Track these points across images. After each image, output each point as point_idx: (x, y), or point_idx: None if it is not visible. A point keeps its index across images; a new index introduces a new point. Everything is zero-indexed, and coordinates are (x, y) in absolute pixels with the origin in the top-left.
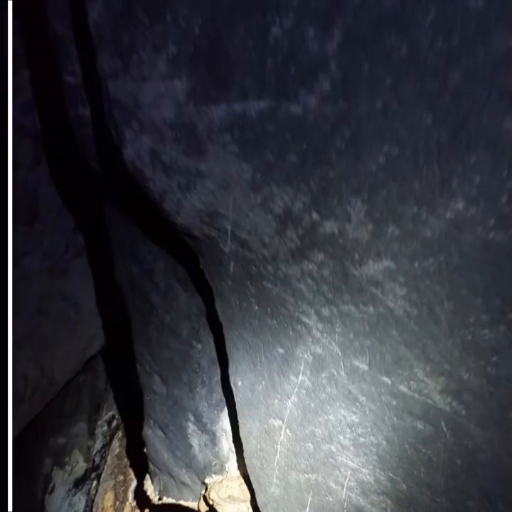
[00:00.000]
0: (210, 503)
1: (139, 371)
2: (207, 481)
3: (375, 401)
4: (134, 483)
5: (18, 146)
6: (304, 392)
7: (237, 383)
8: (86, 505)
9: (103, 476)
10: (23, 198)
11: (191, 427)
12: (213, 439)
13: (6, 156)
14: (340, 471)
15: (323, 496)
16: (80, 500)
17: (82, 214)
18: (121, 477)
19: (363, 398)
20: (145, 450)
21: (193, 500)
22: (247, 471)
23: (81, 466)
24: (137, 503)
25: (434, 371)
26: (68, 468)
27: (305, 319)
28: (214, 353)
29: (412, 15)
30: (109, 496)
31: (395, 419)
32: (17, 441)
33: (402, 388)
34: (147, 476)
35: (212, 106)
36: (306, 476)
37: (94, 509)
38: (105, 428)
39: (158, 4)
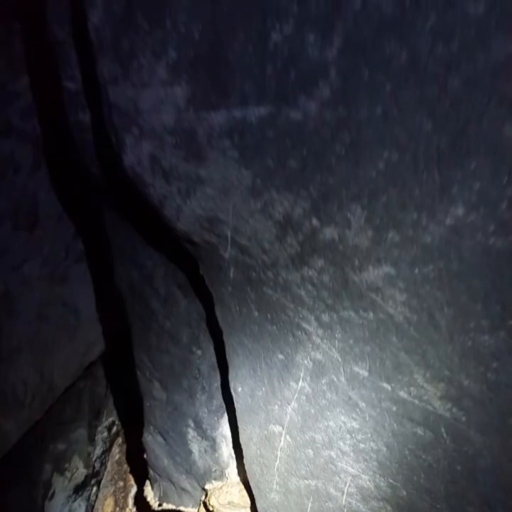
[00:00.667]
0: (210, 509)
1: (138, 377)
2: (207, 487)
3: (375, 407)
4: (134, 489)
5: (17, 151)
6: (304, 398)
7: (237, 389)
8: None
9: (103, 482)
10: (23, 203)
11: (191, 433)
12: (213, 445)
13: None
14: (340, 477)
15: (323, 502)
16: (80, 507)
17: (82, 220)
18: (121, 483)
19: (363, 404)
20: (145, 456)
21: (193, 506)
22: (247, 477)
23: (81, 472)
24: (137, 509)
25: (434, 377)
26: (68, 474)
27: (305, 325)
28: (214, 359)
29: (412, 21)
30: (109, 502)
31: (395, 425)
32: (17, 447)
33: (402, 394)
34: (147, 482)
35: (212, 112)
36: (306, 482)
37: None
38: (105, 434)
39: (158, 10)
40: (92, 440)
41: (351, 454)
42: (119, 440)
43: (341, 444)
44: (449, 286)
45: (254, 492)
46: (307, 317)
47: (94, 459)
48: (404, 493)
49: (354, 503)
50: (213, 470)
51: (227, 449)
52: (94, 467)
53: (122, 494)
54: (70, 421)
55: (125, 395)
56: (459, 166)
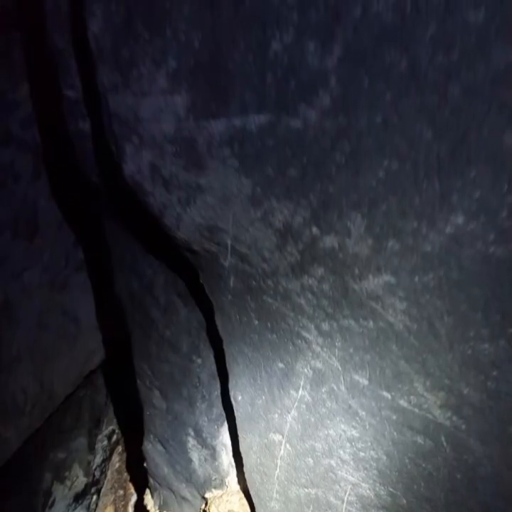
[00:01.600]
0: None
1: (138, 386)
2: (207, 495)
3: (375, 416)
4: (134, 498)
5: (17, 160)
6: (304, 406)
7: (237, 398)
8: None
9: (103, 490)
10: (23, 212)
11: (191, 442)
12: (213, 454)
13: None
14: (340, 486)
15: (323, 511)
16: None
17: (82, 228)
18: (121, 491)
19: (363, 413)
20: (145, 465)
21: None
22: (247, 485)
23: (81, 480)
24: None
25: (434, 386)
26: (68, 482)
27: (305, 334)
28: (214, 368)
29: (412, 29)
30: (109, 511)
31: (395, 433)
32: (17, 455)
33: (402, 403)
34: (147, 491)
35: (212, 120)
36: (306, 490)
37: None
38: (105, 442)
39: (159, 18)
40: (92, 448)
41: (351, 463)
42: (119, 448)
43: (341, 452)
44: (449, 294)
45: (254, 501)
46: (307, 326)
47: (94, 467)
48: (404, 501)
49: None
50: (213, 478)
51: (227, 458)
52: (94, 475)
53: (122, 503)
54: (70, 429)
55: (125, 404)
56: (459, 174)
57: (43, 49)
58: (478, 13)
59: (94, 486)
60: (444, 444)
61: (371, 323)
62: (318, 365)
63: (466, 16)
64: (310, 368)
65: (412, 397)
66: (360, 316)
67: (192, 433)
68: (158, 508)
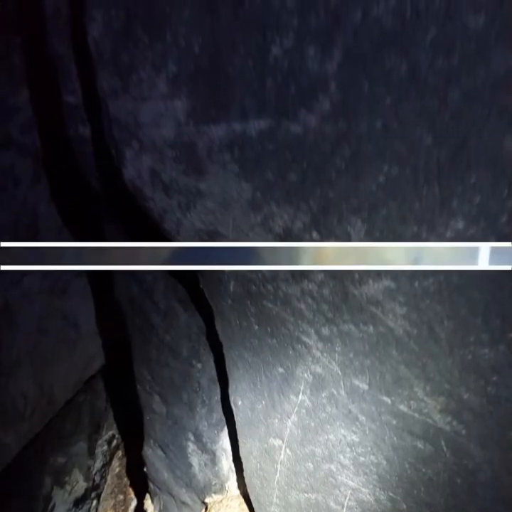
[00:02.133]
0: None
1: (138, 391)
2: (207, 500)
3: (375, 420)
4: (134, 503)
5: (17, 164)
6: (304, 411)
7: (237, 403)
8: None
9: (103, 495)
10: (23, 216)
11: (191, 447)
12: (213, 459)
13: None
14: (340, 491)
15: None
16: None
17: (82, 232)
18: (121, 496)
19: (363, 418)
20: (145, 469)
21: None
22: (247, 490)
23: (81, 485)
24: None
25: (434, 391)
26: (68, 487)
27: (305, 339)
28: (214, 373)
29: (412, 34)
30: None
31: (395, 438)
32: (17, 460)
33: (402, 408)
34: (147, 496)
35: (212, 125)
36: (306, 495)
37: None
38: (105, 447)
39: (158, 23)
40: (92, 453)
41: (351, 468)
42: (119, 453)
43: (341, 457)
44: (449, 299)
45: (254, 505)
46: (307, 330)
47: (94, 472)
48: (404, 506)
49: None
50: (213, 483)
51: (227, 463)
52: (94, 480)
53: (122, 507)
54: (70, 434)
55: (125, 409)
56: (459, 179)
57: (43, 53)
58: (478, 17)
59: (94, 490)
60: (444, 448)
61: (371, 328)
62: (318, 369)
63: (466, 20)
64: (310, 373)
65: (412, 402)
66: (360, 321)
67: (192, 438)
68: None
